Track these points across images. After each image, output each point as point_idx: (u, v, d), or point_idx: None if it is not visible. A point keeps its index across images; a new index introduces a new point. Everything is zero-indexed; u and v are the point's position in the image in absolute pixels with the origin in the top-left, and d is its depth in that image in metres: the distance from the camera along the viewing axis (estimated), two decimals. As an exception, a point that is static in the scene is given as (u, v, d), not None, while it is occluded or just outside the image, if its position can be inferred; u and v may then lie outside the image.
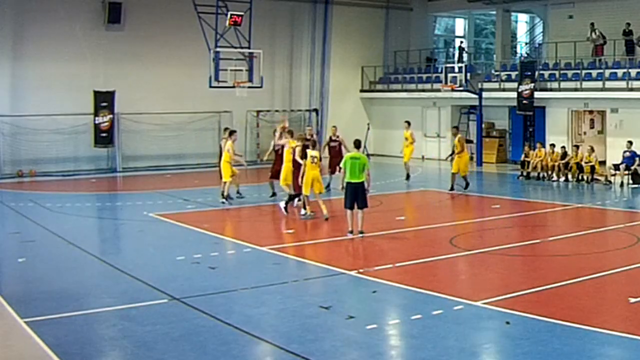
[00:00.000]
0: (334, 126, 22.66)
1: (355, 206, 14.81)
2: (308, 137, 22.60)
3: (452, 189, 21.31)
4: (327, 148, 21.74)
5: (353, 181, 14.64)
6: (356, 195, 14.68)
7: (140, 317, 9.58)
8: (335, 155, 21.06)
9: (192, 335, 8.77)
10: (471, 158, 31.42)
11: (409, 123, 25.11)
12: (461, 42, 35.73)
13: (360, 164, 14.62)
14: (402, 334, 9.08)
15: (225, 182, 19.09)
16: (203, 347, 8.41)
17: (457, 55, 34.88)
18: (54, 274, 12.07)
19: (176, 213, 17.94)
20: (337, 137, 21.57)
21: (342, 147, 21.15)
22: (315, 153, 16.81)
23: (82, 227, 16.92)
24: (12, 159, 26.50)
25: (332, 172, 20.97)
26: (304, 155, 16.91)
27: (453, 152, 21.81)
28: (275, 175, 19.12)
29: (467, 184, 21.60)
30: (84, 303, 10.15)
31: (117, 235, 16.42)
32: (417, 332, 8.94)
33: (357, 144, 15.13)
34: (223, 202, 18.96)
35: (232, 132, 19.47)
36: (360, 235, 14.76)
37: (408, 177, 24.31)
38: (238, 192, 20.02)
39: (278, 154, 19.26)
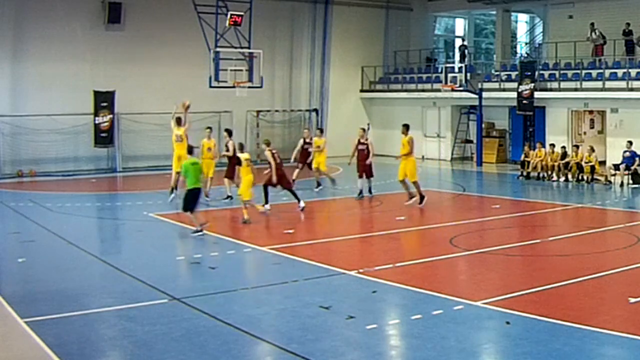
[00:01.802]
0: (362, 128, 21.51)
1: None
2: (307, 140, 22.57)
3: (411, 197, 18.84)
4: (355, 152, 20.59)
5: (197, 187, 15.19)
6: (196, 199, 15.24)
7: (140, 317, 9.58)
8: (363, 159, 20.18)
9: (192, 335, 8.77)
10: (471, 158, 31.57)
11: (321, 130, 23.56)
12: (463, 41, 35.68)
13: (199, 168, 15.29)
14: (402, 334, 9.09)
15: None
16: (203, 347, 8.41)
17: (458, 55, 34.77)
18: (54, 274, 12.07)
19: (176, 213, 17.93)
20: (366, 140, 20.74)
21: (369, 151, 20.21)
22: (247, 155, 17.06)
23: (82, 227, 16.92)
24: (12, 159, 26.49)
25: (360, 176, 20.37)
26: (238, 162, 17.13)
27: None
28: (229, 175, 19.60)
29: (423, 197, 18.81)
30: (84, 303, 10.15)
31: (117, 235, 16.42)
32: (417, 332, 8.94)
33: (190, 150, 15.75)
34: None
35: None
36: (201, 233, 15.15)
37: (319, 185, 22.32)
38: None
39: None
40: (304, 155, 22.22)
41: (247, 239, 14.76)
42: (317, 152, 22.06)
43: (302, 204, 18.30)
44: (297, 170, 22.03)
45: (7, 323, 9.35)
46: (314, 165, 22.09)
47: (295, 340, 8.60)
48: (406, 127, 19.35)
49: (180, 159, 19.40)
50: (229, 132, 20.45)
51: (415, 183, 18.81)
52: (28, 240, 14.89)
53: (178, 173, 19.48)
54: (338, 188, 21.99)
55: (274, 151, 18.76)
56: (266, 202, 18.26)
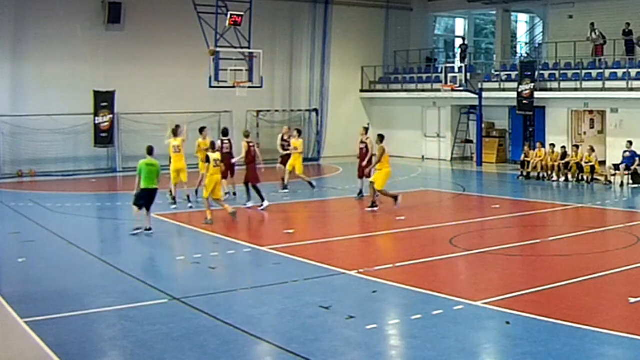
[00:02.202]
0: (365, 127, 21.03)
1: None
2: (285, 138, 22.41)
3: (374, 204, 18.16)
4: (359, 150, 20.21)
5: (150, 187, 15.10)
6: (150, 200, 15.20)
7: (140, 317, 9.58)
8: (362, 158, 19.81)
9: (192, 335, 8.77)
10: (471, 158, 31.57)
11: (299, 132, 22.62)
12: (464, 39, 35.64)
13: (155, 170, 15.12)
14: (402, 334, 9.09)
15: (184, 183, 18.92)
16: (203, 347, 8.41)
17: (458, 54, 34.69)
18: (54, 274, 12.07)
19: (176, 213, 17.93)
20: (368, 138, 20.33)
21: (369, 150, 19.80)
22: (217, 156, 16.75)
23: (82, 227, 16.92)
24: (12, 159, 26.49)
25: (360, 176, 19.98)
26: (207, 159, 16.77)
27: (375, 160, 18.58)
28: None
29: (395, 198, 18.18)
30: (84, 303, 10.15)
31: (117, 235, 16.39)
32: (417, 332, 8.94)
33: (150, 151, 15.50)
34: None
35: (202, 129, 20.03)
36: (150, 232, 15.13)
37: (312, 185, 21.73)
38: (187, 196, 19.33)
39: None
40: (286, 158, 21.72)
41: (247, 239, 14.77)
42: (296, 154, 21.43)
43: (250, 204, 18.41)
44: (286, 174, 21.59)
45: (7, 323, 9.35)
46: (287, 168, 21.48)
47: (295, 340, 8.60)
48: (380, 137, 18.53)
49: (179, 171, 18.77)
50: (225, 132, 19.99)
51: (381, 191, 18.18)
52: (28, 240, 14.88)
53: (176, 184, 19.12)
54: (316, 191, 21.56)
55: (251, 144, 18.78)
56: (262, 200, 18.27)
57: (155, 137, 28.26)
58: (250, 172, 18.65)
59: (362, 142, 20.08)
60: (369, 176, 20.05)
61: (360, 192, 20.13)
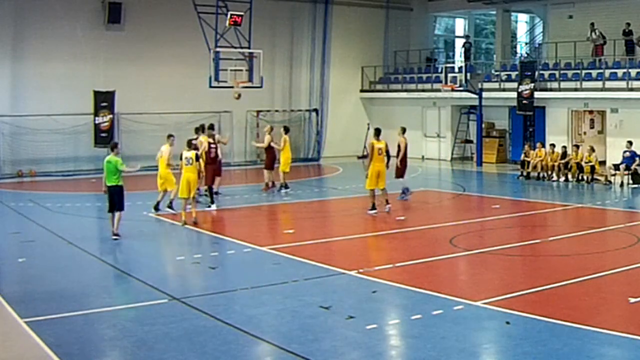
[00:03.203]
0: (402, 127, 20.44)
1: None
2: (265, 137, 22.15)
3: (373, 207, 17.44)
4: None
5: (108, 184, 14.77)
6: (112, 198, 14.72)
7: (140, 317, 9.59)
8: (397, 158, 19.46)
9: (192, 335, 8.77)
10: (471, 158, 31.56)
11: (287, 129, 22.28)
12: (467, 37, 35.50)
13: (111, 167, 14.68)
14: (402, 334, 9.09)
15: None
16: (203, 347, 8.41)
17: (462, 52, 34.55)
18: (54, 274, 12.07)
19: (176, 213, 17.92)
20: (404, 138, 19.84)
21: (400, 150, 19.43)
22: (190, 154, 16.49)
23: (82, 227, 16.90)
24: (12, 159, 26.48)
25: (397, 176, 19.64)
26: (180, 157, 16.64)
27: (366, 156, 17.90)
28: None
29: (373, 205, 17.46)
30: (84, 303, 10.15)
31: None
32: (417, 332, 8.95)
33: (113, 147, 15.26)
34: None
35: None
36: (115, 237, 14.64)
37: (287, 186, 21.49)
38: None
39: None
40: (272, 158, 21.61)
41: (247, 239, 14.75)
42: (282, 151, 21.35)
43: (213, 206, 18.40)
44: (268, 174, 21.55)
45: (7, 323, 9.35)
46: (281, 168, 21.38)
47: (295, 340, 8.61)
48: (376, 132, 17.96)
49: (162, 177, 18.08)
50: (197, 130, 19.67)
51: (371, 191, 17.55)
52: (28, 240, 14.89)
53: (165, 191, 18.59)
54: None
55: (212, 144, 18.66)
56: (212, 202, 18.42)
57: (156, 137, 28.39)
58: (207, 173, 18.39)
59: (398, 143, 19.49)
60: (402, 176, 19.77)
61: (407, 190, 19.92)
